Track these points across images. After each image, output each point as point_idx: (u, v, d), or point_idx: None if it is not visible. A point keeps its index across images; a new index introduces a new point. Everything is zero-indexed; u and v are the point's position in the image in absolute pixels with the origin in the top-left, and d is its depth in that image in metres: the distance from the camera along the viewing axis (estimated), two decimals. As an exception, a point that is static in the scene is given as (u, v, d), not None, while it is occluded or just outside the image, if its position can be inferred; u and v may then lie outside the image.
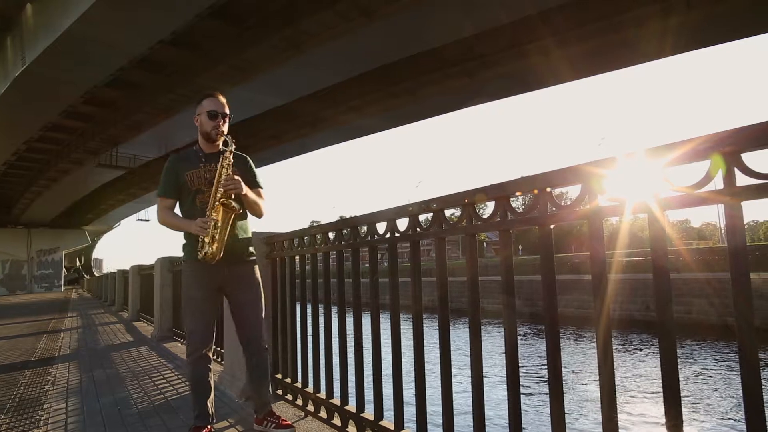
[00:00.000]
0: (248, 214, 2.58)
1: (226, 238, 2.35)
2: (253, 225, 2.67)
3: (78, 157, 23.58)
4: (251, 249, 2.57)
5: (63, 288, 42.18)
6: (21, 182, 29.99)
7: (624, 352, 15.70)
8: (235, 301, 2.51)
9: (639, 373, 12.94)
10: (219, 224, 2.32)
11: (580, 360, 14.73)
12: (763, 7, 10.85)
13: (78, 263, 57.59)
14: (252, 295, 2.51)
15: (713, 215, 58.74)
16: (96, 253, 62.89)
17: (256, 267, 2.58)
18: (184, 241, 2.50)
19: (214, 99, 2.46)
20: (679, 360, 1.28)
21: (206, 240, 2.31)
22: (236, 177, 2.37)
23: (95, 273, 51.63)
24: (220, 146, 2.49)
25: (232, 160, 2.43)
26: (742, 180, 1.13)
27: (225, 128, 2.47)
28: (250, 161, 2.61)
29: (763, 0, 10.54)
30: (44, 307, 16.93)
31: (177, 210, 2.52)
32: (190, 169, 2.45)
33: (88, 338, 7.25)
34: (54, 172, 26.13)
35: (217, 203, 2.32)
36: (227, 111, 2.47)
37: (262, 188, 2.59)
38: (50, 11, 13.31)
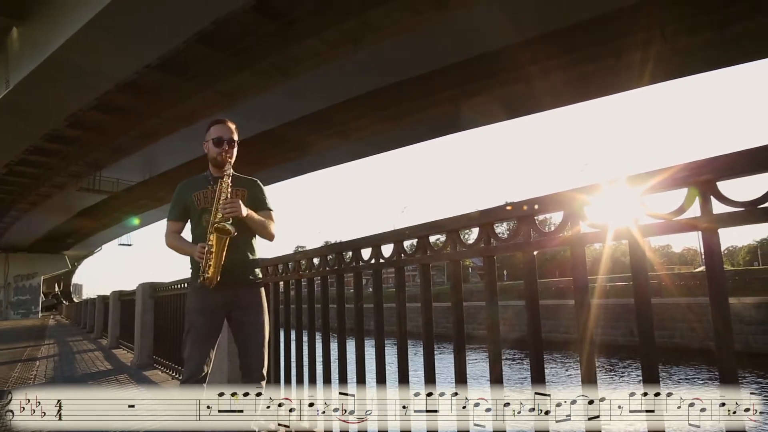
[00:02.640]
0: (256, 236, 2.56)
1: (222, 263, 2.30)
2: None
3: (60, 181, 23.29)
4: (257, 271, 2.53)
5: (40, 314, 41.11)
6: (0, 206, 29.47)
7: (608, 377, 15.68)
8: (239, 326, 2.44)
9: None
10: (213, 248, 2.28)
11: (565, 384, 14.68)
12: (733, 41, 11.29)
13: (57, 289, 56.30)
14: (258, 319, 2.44)
15: (694, 241, 59.68)
16: (76, 279, 61.53)
17: (262, 290, 2.53)
18: (191, 262, 2.49)
19: (222, 126, 2.51)
20: (662, 384, 1.29)
21: (203, 265, 2.29)
22: (235, 199, 2.35)
23: (74, 299, 50.48)
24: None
25: (237, 184, 2.44)
26: (718, 208, 1.16)
27: (233, 153, 2.48)
28: (260, 184, 2.61)
29: (733, 35, 10.95)
30: (20, 334, 16.47)
31: (185, 234, 2.54)
32: (198, 191, 2.48)
33: (64, 366, 7.05)
34: (35, 196, 25.74)
35: (211, 227, 2.30)
36: (234, 137, 2.50)
37: (272, 210, 2.57)
38: (36, 35, 13.32)
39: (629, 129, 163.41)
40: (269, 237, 2.52)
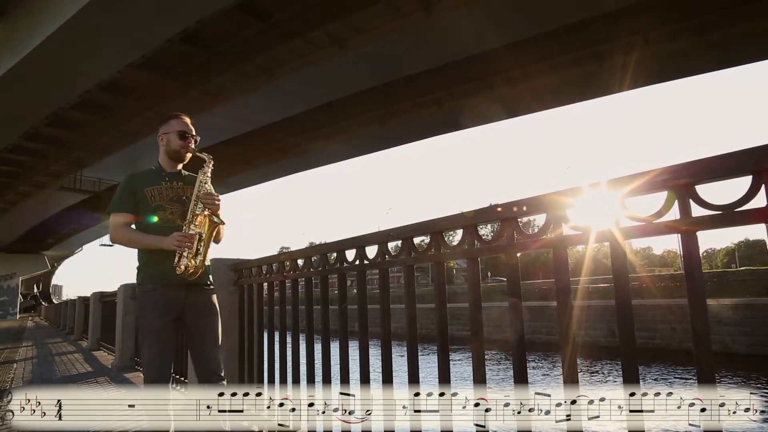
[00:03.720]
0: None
1: (208, 252, 2.28)
2: (215, 251, 2.60)
3: (40, 180, 22.93)
4: (210, 276, 2.48)
5: (18, 316, 40.30)
6: (-22, 205, 28.88)
7: (590, 377, 15.84)
8: (193, 330, 2.37)
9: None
10: (203, 236, 2.25)
11: (548, 384, 14.78)
12: (713, 47, 11.52)
13: (36, 290, 55.27)
14: (212, 322, 2.39)
15: (674, 243, 60.51)
16: (55, 280, 60.48)
17: (214, 295, 2.48)
18: (138, 264, 2.39)
19: (182, 120, 2.46)
20: (643, 385, 1.30)
21: (186, 254, 2.21)
22: (216, 195, 2.34)
23: (54, 300, 49.57)
24: (180, 167, 2.48)
25: (190, 183, 2.41)
26: (696, 211, 1.18)
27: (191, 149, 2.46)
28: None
29: (713, 42, 11.18)
30: (-3, 336, 16.15)
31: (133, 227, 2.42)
32: (151, 186, 2.37)
33: (43, 369, 6.92)
34: (14, 195, 25.29)
35: (203, 216, 2.27)
36: (194, 133, 2.47)
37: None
38: (17, 31, 13.08)
39: (611, 133, 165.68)
40: (219, 239, 2.48)
